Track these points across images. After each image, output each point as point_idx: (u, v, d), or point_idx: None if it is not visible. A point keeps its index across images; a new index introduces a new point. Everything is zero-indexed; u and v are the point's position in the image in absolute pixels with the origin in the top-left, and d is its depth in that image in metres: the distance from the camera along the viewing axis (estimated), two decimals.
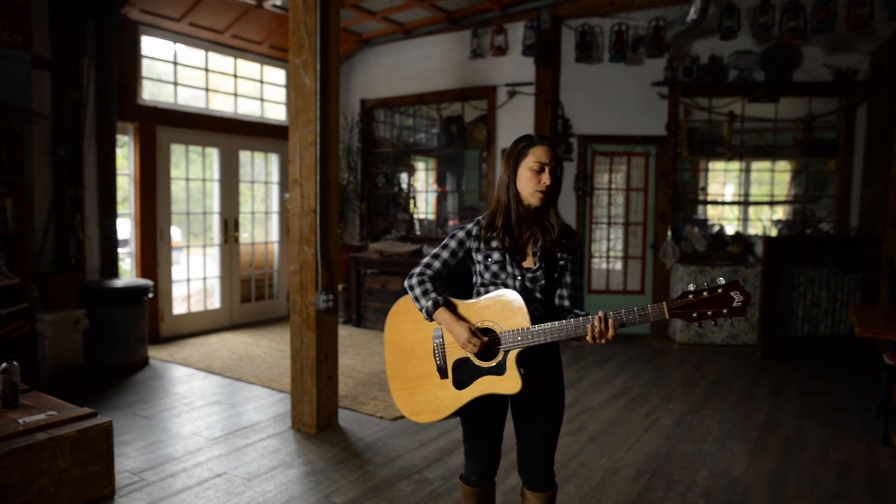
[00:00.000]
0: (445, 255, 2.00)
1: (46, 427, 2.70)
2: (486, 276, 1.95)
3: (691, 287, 1.72)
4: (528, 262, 1.91)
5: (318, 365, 3.65)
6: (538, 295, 1.91)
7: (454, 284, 5.15)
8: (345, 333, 6.37)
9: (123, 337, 4.92)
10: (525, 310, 1.81)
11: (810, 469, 3.27)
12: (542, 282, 1.90)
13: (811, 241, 5.93)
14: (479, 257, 1.96)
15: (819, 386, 4.78)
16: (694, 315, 1.69)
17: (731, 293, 1.67)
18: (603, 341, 1.75)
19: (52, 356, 4.46)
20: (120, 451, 3.33)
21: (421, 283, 1.96)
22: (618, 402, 4.34)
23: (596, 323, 1.74)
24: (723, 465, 3.30)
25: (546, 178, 1.85)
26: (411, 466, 3.24)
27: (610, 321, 1.73)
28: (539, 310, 1.91)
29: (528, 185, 1.87)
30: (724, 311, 1.67)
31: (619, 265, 6.67)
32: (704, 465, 3.31)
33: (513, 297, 1.84)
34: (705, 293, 1.69)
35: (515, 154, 1.91)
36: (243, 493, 2.93)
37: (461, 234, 1.99)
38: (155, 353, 5.43)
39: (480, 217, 1.99)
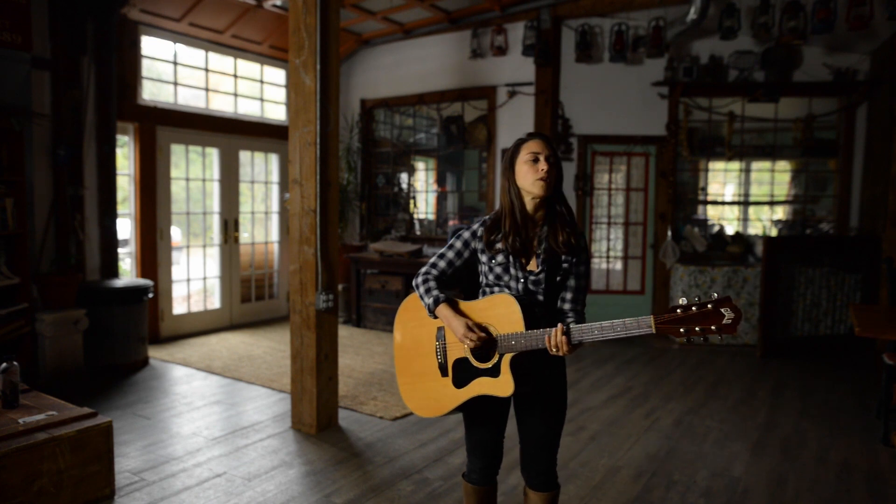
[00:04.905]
0: (451, 255, 2.00)
1: (46, 427, 2.70)
2: (490, 277, 1.95)
3: (682, 301, 1.64)
4: (532, 265, 1.90)
5: (318, 365, 3.65)
6: (540, 298, 1.90)
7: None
8: (345, 333, 6.37)
9: (123, 337, 4.91)
10: (520, 314, 1.79)
11: (810, 469, 3.27)
12: (545, 285, 1.89)
13: (811, 241, 5.92)
14: (484, 258, 1.95)
15: (819, 386, 4.78)
16: (682, 330, 1.62)
17: (722, 309, 1.59)
18: (560, 353, 1.73)
19: (52, 356, 4.46)
20: (120, 451, 3.32)
21: (425, 281, 1.97)
22: (618, 402, 4.34)
23: (552, 334, 1.72)
24: (723, 465, 3.30)
25: (543, 165, 1.84)
26: (411, 466, 3.24)
27: (563, 336, 1.70)
28: (541, 313, 1.89)
29: (528, 176, 1.86)
30: (713, 327, 1.59)
31: (619, 265, 6.67)
32: (704, 465, 3.31)
33: (508, 300, 1.83)
34: (694, 308, 1.62)
35: (510, 156, 1.93)
36: (243, 493, 2.93)
37: (466, 234, 1.99)
38: (155, 353, 5.43)
39: (487, 217, 1.98)
